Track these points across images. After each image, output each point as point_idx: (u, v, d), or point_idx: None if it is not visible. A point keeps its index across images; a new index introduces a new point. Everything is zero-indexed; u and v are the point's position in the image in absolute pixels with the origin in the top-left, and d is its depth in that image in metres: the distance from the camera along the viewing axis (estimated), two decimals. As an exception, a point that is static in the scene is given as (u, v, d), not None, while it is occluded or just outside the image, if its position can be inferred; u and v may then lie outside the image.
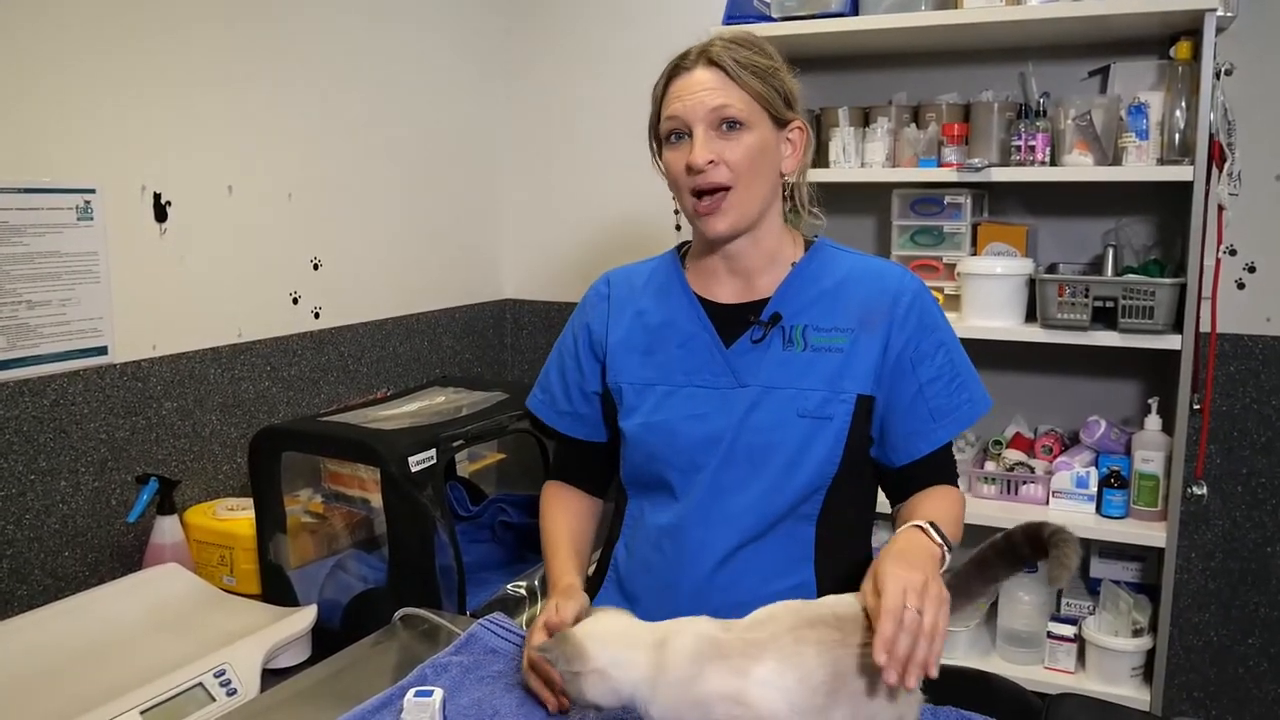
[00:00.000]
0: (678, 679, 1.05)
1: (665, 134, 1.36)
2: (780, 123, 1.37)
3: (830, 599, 1.13)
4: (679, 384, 1.41)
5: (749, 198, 1.34)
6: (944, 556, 1.19)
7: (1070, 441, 2.44)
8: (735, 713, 1.02)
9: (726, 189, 1.33)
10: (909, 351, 1.37)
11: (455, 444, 1.79)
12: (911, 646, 1.03)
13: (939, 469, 1.41)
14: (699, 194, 1.33)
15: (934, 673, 1.03)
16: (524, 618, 1.80)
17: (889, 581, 1.07)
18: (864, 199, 2.58)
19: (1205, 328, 2.20)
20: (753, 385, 1.37)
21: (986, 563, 1.10)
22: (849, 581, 1.23)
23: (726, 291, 1.43)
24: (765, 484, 1.35)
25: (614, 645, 1.08)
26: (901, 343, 1.37)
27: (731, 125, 1.32)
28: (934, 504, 1.36)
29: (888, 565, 1.10)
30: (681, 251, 1.51)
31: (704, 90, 1.32)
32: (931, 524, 1.22)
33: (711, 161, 1.31)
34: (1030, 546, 1.07)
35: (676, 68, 1.36)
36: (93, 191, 1.80)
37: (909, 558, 1.14)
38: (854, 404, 1.35)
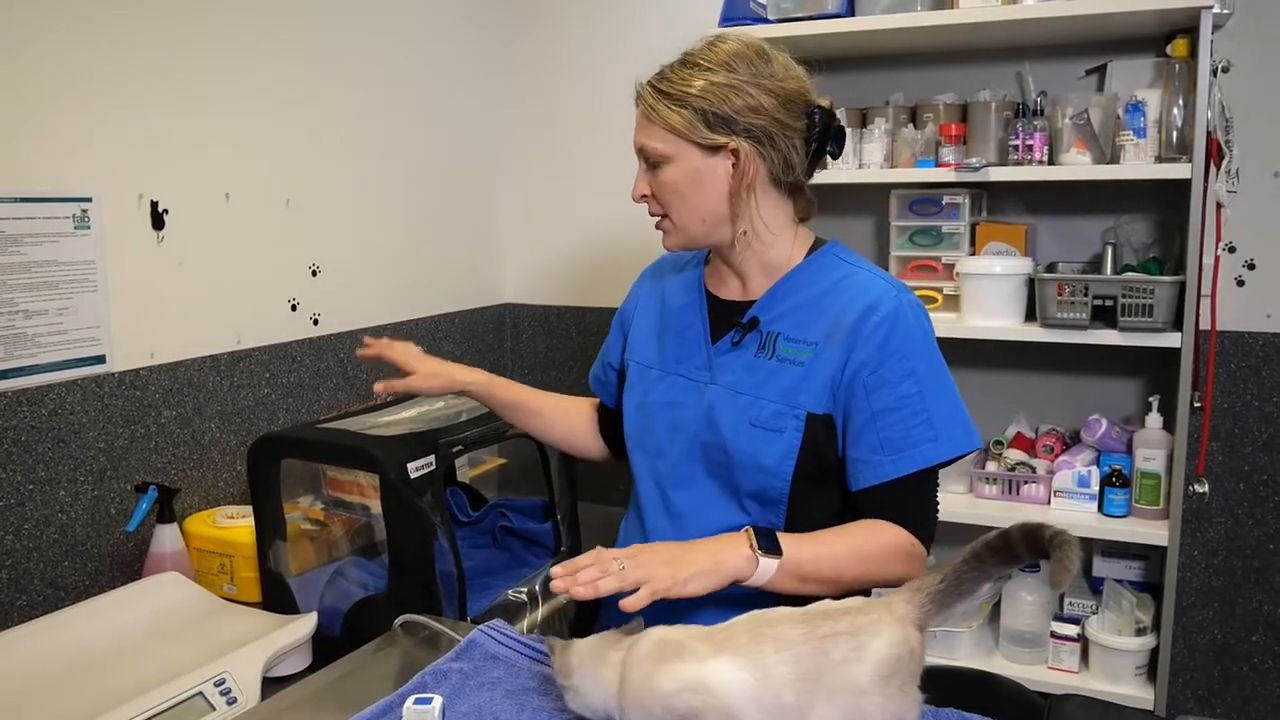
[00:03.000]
0: (639, 681, 1.05)
1: None
2: (711, 147, 1.32)
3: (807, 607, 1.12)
4: (669, 370, 1.47)
5: (683, 222, 1.39)
6: (754, 562, 1.21)
7: (1071, 441, 2.43)
8: (695, 701, 1.01)
9: (663, 216, 1.40)
10: (865, 373, 1.31)
11: (455, 449, 1.79)
12: (583, 567, 1.14)
13: (889, 505, 1.32)
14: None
15: (579, 591, 1.13)
16: (525, 623, 1.80)
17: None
18: (862, 200, 2.58)
19: (1205, 325, 2.20)
20: (720, 384, 1.40)
21: (980, 559, 1.09)
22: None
23: (729, 289, 1.47)
24: (718, 485, 1.39)
25: (589, 664, 1.10)
26: (859, 362, 1.31)
27: (654, 162, 1.37)
28: (839, 532, 1.31)
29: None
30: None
31: (636, 131, 1.38)
32: (767, 532, 1.24)
33: (645, 196, 1.39)
34: (1027, 547, 1.06)
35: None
36: (90, 200, 1.80)
37: (672, 547, 1.22)
38: (804, 421, 1.33)
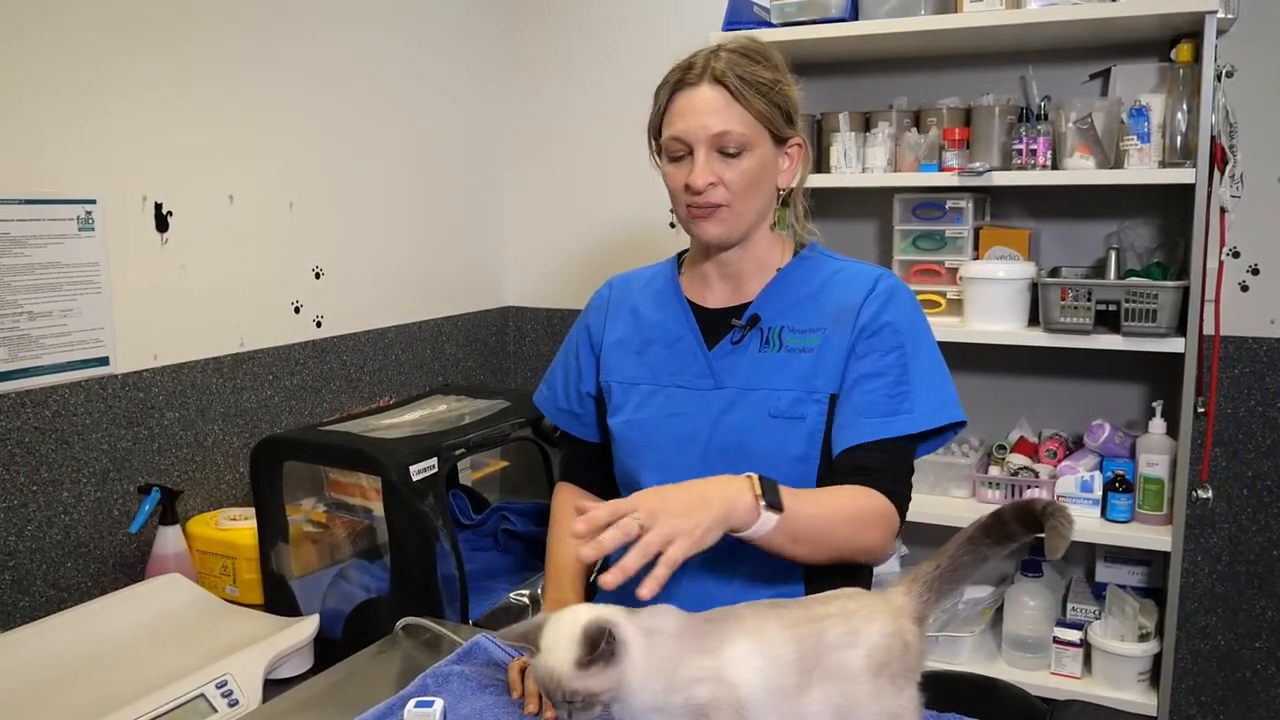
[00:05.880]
0: (659, 667, 1.04)
1: (666, 149, 1.36)
2: (780, 139, 1.38)
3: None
4: (663, 384, 1.43)
5: (744, 212, 1.36)
6: (756, 514, 1.13)
7: (1074, 445, 2.43)
8: (718, 691, 1.01)
9: (723, 206, 1.34)
10: (861, 339, 1.35)
11: (457, 452, 1.79)
12: (618, 542, 1.03)
13: (866, 473, 1.31)
14: (693, 206, 1.36)
15: (643, 593, 1.02)
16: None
17: (630, 497, 1.09)
18: (865, 204, 2.58)
19: (1209, 330, 2.19)
20: (729, 386, 1.39)
21: (975, 541, 1.09)
22: None
23: (716, 296, 1.46)
24: None
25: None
26: (859, 328, 1.35)
27: (732, 148, 1.33)
28: (828, 491, 1.28)
29: (650, 488, 1.13)
30: (680, 259, 1.53)
31: (707, 113, 1.32)
32: (769, 482, 1.16)
33: (712, 183, 1.33)
34: (1020, 523, 1.07)
35: (681, 81, 1.34)
36: (94, 202, 1.80)
37: (681, 491, 1.11)
38: (826, 403, 1.35)
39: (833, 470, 1.35)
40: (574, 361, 1.56)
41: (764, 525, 1.14)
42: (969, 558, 1.09)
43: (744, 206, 1.35)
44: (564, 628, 1.02)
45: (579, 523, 1.05)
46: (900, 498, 1.33)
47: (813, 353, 1.36)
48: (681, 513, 1.07)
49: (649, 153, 1.45)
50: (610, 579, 1.01)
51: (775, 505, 1.15)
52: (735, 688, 1.01)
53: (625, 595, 1.28)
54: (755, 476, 1.16)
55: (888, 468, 1.33)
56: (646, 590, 1.02)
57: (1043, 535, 1.05)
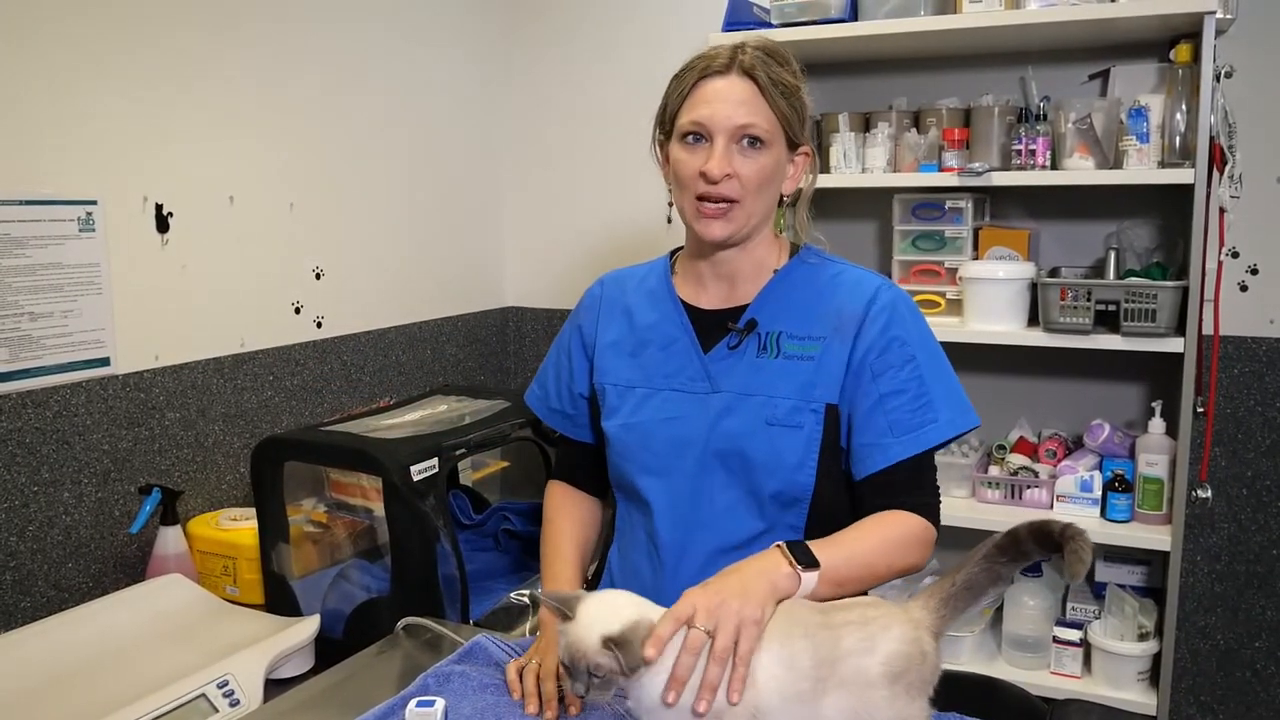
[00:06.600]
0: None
1: (683, 133, 1.35)
2: (793, 144, 1.38)
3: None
4: (658, 386, 1.42)
5: (751, 212, 1.36)
6: (797, 578, 1.16)
7: (1074, 445, 2.43)
8: (746, 694, 1.04)
9: (734, 201, 1.33)
10: (870, 359, 1.34)
11: (458, 452, 1.79)
12: (693, 666, 1.03)
13: (898, 489, 1.34)
14: (703, 198, 1.34)
15: (734, 698, 1.03)
16: (527, 626, 1.80)
17: (682, 598, 1.09)
18: (865, 204, 2.58)
19: (1208, 330, 2.19)
20: (726, 391, 1.38)
21: (990, 560, 1.10)
22: None
23: (710, 297, 1.44)
24: (739, 490, 1.36)
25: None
26: (866, 347, 1.35)
27: (753, 142, 1.32)
28: (859, 529, 1.30)
29: (697, 586, 1.12)
30: (673, 257, 1.52)
31: (734, 103, 1.31)
32: (797, 545, 1.19)
33: (728, 175, 1.32)
34: (1036, 543, 1.07)
35: (708, 69, 1.34)
36: (94, 203, 1.80)
37: (728, 579, 1.13)
38: (824, 413, 1.34)
39: (858, 493, 1.36)
40: (566, 361, 1.55)
41: (807, 585, 1.17)
42: (984, 575, 1.10)
43: (753, 205, 1.35)
44: (606, 609, 1.07)
45: (650, 649, 1.03)
46: (933, 509, 1.36)
47: (813, 361, 1.36)
48: (738, 599, 1.09)
49: (651, 143, 1.44)
50: (702, 706, 1.02)
51: (811, 564, 1.18)
52: (758, 690, 1.03)
53: (631, 581, 1.28)
54: (783, 545, 1.20)
55: (917, 480, 1.36)
56: (736, 695, 1.03)
57: (1051, 555, 1.06)
